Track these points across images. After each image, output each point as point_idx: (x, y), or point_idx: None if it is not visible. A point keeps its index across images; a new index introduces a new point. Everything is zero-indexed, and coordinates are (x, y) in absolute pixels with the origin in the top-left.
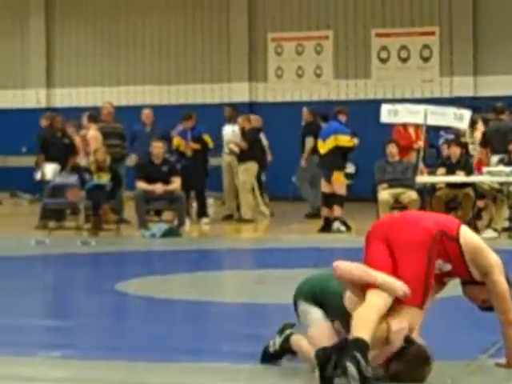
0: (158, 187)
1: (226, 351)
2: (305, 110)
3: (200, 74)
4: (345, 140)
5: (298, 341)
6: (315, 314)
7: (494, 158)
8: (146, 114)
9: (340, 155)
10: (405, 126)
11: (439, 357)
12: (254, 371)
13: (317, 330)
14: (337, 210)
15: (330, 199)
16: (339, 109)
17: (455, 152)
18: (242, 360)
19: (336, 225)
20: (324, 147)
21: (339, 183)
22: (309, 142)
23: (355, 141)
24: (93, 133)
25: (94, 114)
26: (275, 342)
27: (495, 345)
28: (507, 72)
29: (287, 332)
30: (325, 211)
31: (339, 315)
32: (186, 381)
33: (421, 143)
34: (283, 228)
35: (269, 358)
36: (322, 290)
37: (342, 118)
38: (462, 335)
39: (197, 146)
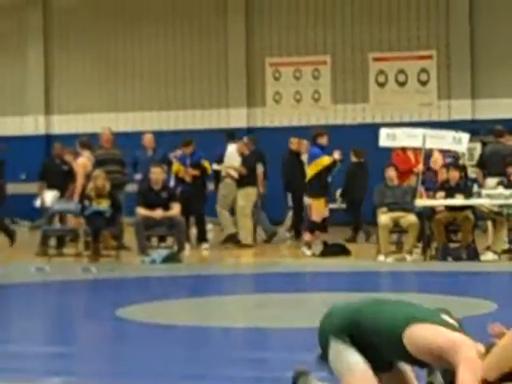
0: (158, 213)
1: (229, 376)
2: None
3: (198, 100)
4: (324, 161)
5: None
6: (354, 357)
7: (491, 181)
8: (148, 138)
9: (322, 181)
10: (404, 149)
11: None
12: None
13: (361, 378)
14: (307, 236)
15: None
16: (317, 132)
17: (454, 175)
18: None
19: (302, 248)
20: (308, 175)
21: (316, 211)
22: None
23: (335, 156)
24: (82, 160)
25: (86, 141)
26: None
27: None
28: (505, 95)
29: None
30: (321, 235)
31: (393, 355)
32: None
33: (420, 167)
34: (282, 252)
35: None
36: (360, 323)
37: (322, 140)
38: None
39: (196, 173)
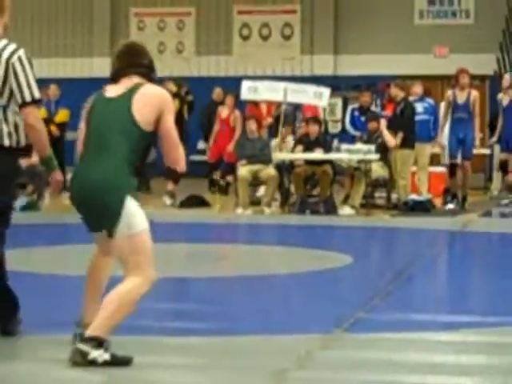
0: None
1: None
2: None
3: (62, 49)
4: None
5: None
6: (142, 216)
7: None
8: None
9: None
10: (256, 102)
11: (293, 330)
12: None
13: (147, 235)
14: (170, 185)
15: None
16: None
17: (314, 129)
18: None
19: (164, 197)
20: None
21: None
22: None
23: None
24: None
25: None
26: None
27: (349, 319)
28: (367, 51)
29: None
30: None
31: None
32: (33, 353)
33: (270, 120)
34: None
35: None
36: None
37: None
38: (317, 309)
39: (57, 133)
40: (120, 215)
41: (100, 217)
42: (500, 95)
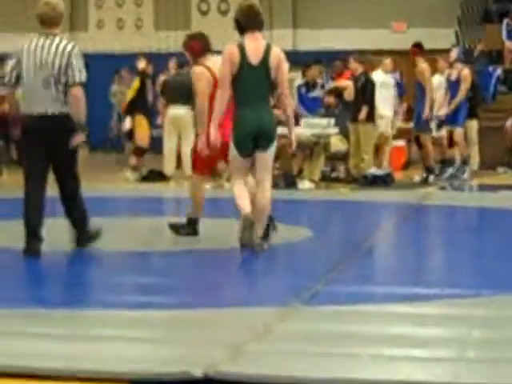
0: None
1: None
2: None
3: (23, 22)
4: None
5: None
6: None
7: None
8: None
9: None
10: None
11: (251, 303)
12: None
13: None
14: (133, 159)
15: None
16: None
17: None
18: None
19: (126, 173)
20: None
21: (138, 131)
22: None
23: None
24: None
25: None
26: None
27: (308, 291)
28: (326, 26)
29: None
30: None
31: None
32: None
33: None
34: (101, 177)
35: None
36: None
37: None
38: (275, 282)
39: None
40: (275, 138)
41: (267, 140)
42: (447, 70)
